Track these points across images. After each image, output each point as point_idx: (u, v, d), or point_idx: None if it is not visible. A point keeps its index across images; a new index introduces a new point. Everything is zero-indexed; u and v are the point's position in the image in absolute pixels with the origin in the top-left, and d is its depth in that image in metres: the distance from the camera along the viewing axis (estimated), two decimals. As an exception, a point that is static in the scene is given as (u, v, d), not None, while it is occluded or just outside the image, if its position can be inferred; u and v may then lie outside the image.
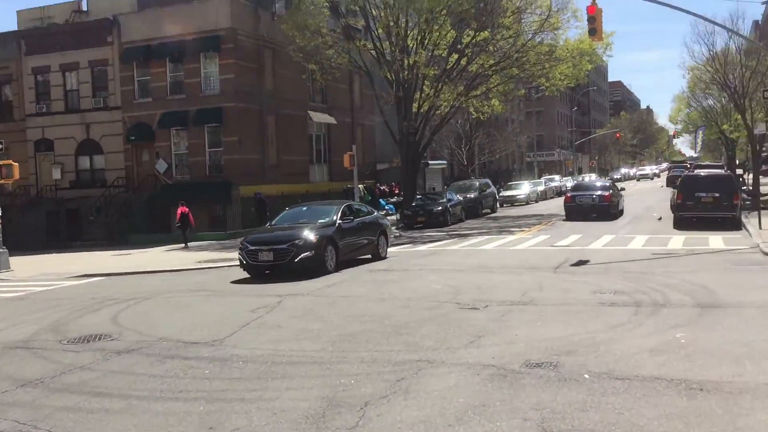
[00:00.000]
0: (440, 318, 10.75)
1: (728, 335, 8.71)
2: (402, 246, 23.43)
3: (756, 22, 67.01)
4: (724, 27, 24.80)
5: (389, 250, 20.47)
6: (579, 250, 19.16)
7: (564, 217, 31.38)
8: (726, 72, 34.81)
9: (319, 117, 38.62)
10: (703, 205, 24.23)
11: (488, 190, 39.82)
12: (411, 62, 31.90)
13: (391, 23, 31.98)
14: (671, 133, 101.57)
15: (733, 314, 9.91)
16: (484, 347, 8.80)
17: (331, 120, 39.72)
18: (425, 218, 31.22)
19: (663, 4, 21.18)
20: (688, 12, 21.28)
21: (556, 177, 64.98)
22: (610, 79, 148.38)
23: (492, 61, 34.47)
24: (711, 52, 36.10)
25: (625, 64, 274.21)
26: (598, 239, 21.79)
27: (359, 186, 39.41)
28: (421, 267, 17.35)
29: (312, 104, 38.68)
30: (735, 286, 12.28)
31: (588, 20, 19.85)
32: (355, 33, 34.14)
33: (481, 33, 32.95)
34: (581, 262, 16.69)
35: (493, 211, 39.70)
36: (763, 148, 48.85)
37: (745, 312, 10.01)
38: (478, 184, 39.69)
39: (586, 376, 7.31)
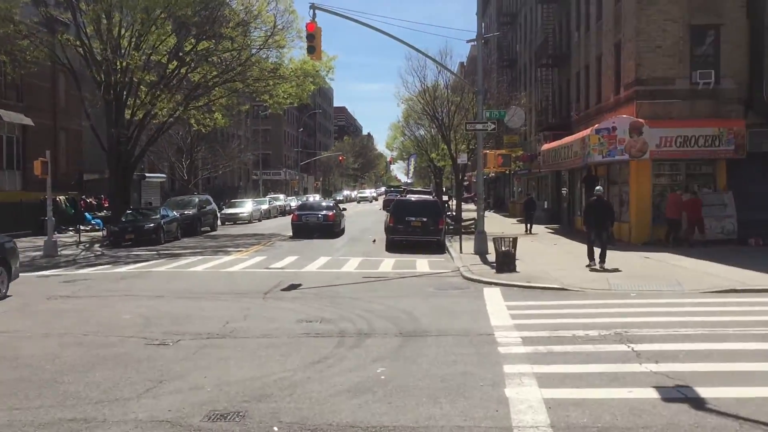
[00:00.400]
0: (119, 358, 9.08)
1: (427, 369, 8.37)
2: (100, 267, 20.79)
3: (462, 63, 74.39)
4: (434, 60, 26.40)
5: (82, 271, 17.86)
6: (293, 273, 18.50)
7: (284, 237, 31.46)
8: (435, 105, 37.36)
9: (11, 116, 33.64)
10: (412, 229, 25.22)
11: (208, 207, 38.01)
12: (124, 65, 29.17)
13: (103, 20, 28.99)
14: (388, 159, 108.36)
15: (432, 344, 9.70)
16: (163, 396, 7.40)
17: (27, 121, 34.88)
18: (135, 235, 28.51)
19: (382, 32, 21.67)
20: (403, 42, 22.08)
21: (281, 196, 65.06)
22: (335, 104, 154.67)
23: (215, 73, 33.05)
24: (423, 85, 38.61)
25: (350, 92, 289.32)
26: (314, 261, 21.42)
27: (61, 198, 35.19)
28: (114, 293, 15.24)
29: (4, 102, 33.60)
30: (437, 312, 12.34)
31: (307, 38, 19.45)
32: (60, 26, 30.35)
33: (204, 42, 31.41)
34: (293, 287, 15.97)
35: (213, 229, 37.98)
36: (465, 177, 53.70)
37: (442, 341, 9.88)
38: (197, 200, 37.69)
39: (276, 429, 6.33)
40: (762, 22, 23.39)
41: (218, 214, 41.34)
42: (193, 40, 31.56)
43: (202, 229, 36.06)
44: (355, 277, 17.61)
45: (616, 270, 17.11)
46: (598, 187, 19.40)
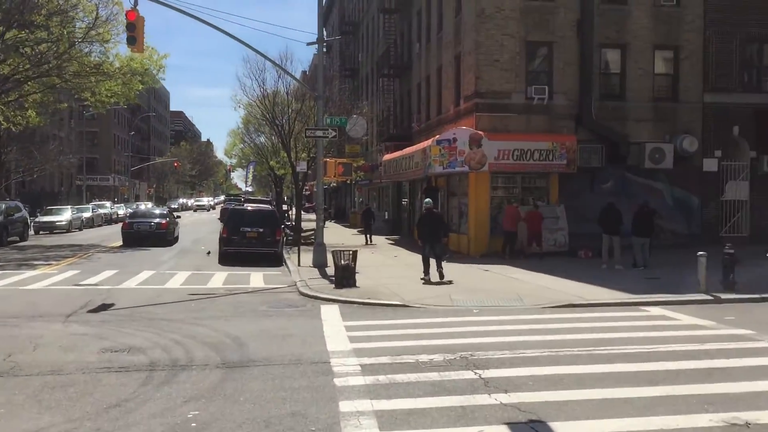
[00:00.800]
0: None
1: (250, 410, 7.05)
2: None
3: (304, 72, 73.33)
4: (273, 62, 24.99)
5: None
6: (108, 290, 16.37)
7: (106, 249, 28.95)
8: (275, 111, 35.90)
9: None
10: (248, 240, 23.72)
11: (17, 215, 33.86)
12: None
13: None
14: (228, 167, 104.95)
15: (258, 376, 8.39)
16: None
17: None
18: None
19: (216, 28, 20.00)
20: (241, 41, 20.52)
21: (108, 203, 60.30)
22: (172, 108, 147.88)
23: (27, 65, 29.49)
24: (262, 90, 36.99)
25: (188, 97, 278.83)
26: (136, 276, 19.28)
27: None
28: None
29: None
30: (268, 335, 11.01)
31: (127, 27, 17.36)
32: None
33: (14, 30, 27.89)
34: (104, 307, 13.96)
35: (23, 239, 33.90)
36: (306, 186, 52.56)
37: (271, 372, 8.58)
38: (4, 206, 33.41)
39: None
40: (591, 42, 24.35)
41: (30, 222, 37.17)
42: (1, 28, 27.94)
43: (9, 239, 32.03)
44: (180, 295, 15.85)
45: (450, 282, 16.81)
46: (427, 200, 19.05)
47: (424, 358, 9.17)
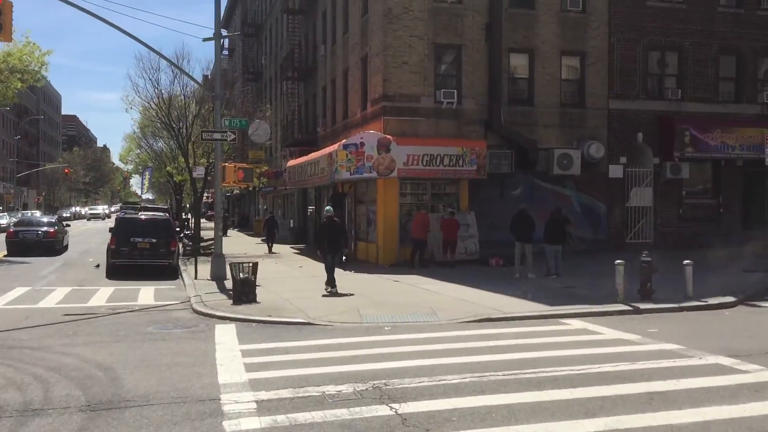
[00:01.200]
0: None
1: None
2: None
3: (206, 77, 70.60)
4: (167, 59, 22.96)
5: None
6: (-32, 312, 14.25)
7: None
8: (171, 114, 33.74)
9: None
10: (139, 252, 21.84)
11: None
12: None
13: None
14: (125, 173, 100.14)
15: (130, 422, 6.92)
16: None
17: None
18: None
19: (108, 23, 18.03)
20: (132, 36, 18.57)
21: (-11, 212, 55.84)
22: (64, 112, 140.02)
23: None
24: (156, 90, 34.67)
25: (83, 101, 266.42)
26: (5, 294, 17.15)
27: None
28: None
29: None
30: (148, 365, 9.47)
31: (-7, 13, 15.29)
32: None
33: None
34: (-41, 333, 11.96)
35: None
36: (209, 193, 50.12)
37: (147, 415, 7.12)
38: None
39: None
40: (499, 46, 23.87)
41: None
42: None
43: None
44: (54, 315, 13.95)
45: (351, 294, 15.86)
46: (327, 207, 18.08)
47: (331, 389, 7.94)
